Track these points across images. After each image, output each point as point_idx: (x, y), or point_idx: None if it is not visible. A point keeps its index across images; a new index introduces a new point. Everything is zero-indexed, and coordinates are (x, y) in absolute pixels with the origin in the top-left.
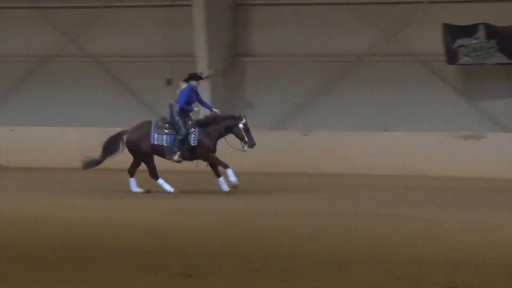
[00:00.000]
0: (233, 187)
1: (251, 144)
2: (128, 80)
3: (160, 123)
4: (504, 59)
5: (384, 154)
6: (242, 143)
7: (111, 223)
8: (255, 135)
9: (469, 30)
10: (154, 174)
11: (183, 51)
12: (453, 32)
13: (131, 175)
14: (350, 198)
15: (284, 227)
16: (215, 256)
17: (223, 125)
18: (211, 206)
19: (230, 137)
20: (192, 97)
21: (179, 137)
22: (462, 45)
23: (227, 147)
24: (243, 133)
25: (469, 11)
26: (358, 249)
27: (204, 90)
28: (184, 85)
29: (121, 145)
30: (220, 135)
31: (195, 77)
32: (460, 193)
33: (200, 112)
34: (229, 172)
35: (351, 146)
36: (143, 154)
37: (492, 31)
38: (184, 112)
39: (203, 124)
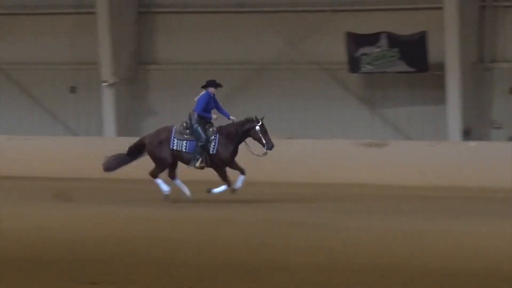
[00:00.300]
0: (208, 191)
1: (269, 146)
2: (31, 87)
3: (181, 128)
4: (406, 67)
5: (288, 161)
6: (261, 145)
7: (33, 232)
8: None
9: (371, 39)
10: (155, 174)
11: (88, 59)
12: (355, 40)
13: (173, 178)
14: (257, 205)
15: (192, 234)
16: (124, 263)
17: (241, 130)
18: (133, 214)
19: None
20: (210, 104)
21: (200, 144)
22: (365, 54)
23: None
24: (260, 135)
25: (372, 20)
26: (270, 257)
27: (109, 98)
28: (202, 92)
29: (142, 150)
30: (239, 141)
31: (213, 84)
32: (364, 200)
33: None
34: (222, 188)
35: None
36: (163, 159)
37: (394, 40)
38: (203, 119)
39: (222, 133)
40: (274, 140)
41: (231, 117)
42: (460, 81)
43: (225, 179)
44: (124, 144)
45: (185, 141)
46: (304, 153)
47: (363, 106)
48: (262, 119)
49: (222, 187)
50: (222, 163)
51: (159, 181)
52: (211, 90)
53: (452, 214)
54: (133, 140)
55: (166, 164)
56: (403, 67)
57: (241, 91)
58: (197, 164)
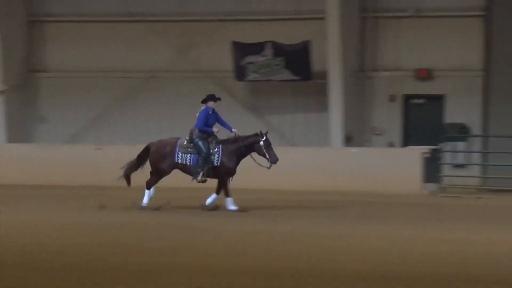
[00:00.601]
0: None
1: (274, 160)
2: None
3: (185, 142)
4: (290, 76)
5: None
6: (265, 159)
7: None
8: (51, 149)
9: (257, 48)
10: (150, 184)
11: None
12: (241, 49)
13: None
14: (144, 210)
15: (75, 238)
16: (4, 267)
17: (245, 143)
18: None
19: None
20: (210, 118)
21: (201, 157)
22: (250, 62)
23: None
24: (264, 150)
25: (257, 29)
26: (157, 259)
27: None
28: (202, 107)
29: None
30: (243, 154)
31: (212, 98)
32: (250, 204)
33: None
34: (228, 200)
35: None
36: (162, 171)
37: (279, 49)
38: (205, 133)
39: (226, 144)
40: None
41: (233, 130)
42: (342, 89)
43: (225, 190)
44: (14, 150)
45: (189, 154)
46: None
47: (249, 113)
48: (266, 134)
49: (229, 202)
50: (228, 174)
51: (148, 192)
52: (211, 104)
53: (334, 218)
54: (24, 146)
55: (162, 176)
56: (287, 75)
57: (131, 99)
58: (199, 178)
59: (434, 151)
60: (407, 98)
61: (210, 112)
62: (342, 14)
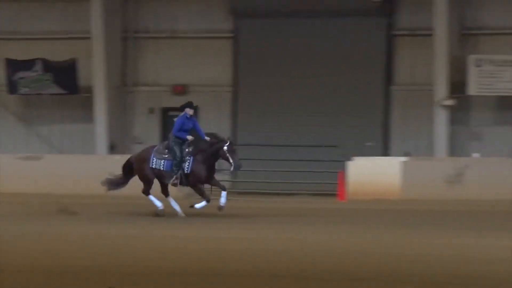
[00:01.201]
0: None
1: (237, 165)
2: None
3: (160, 148)
4: (59, 90)
5: None
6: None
7: None
8: None
9: (28, 64)
10: (146, 191)
11: None
12: (13, 65)
13: (166, 195)
14: None
15: None
16: None
17: (211, 150)
18: None
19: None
20: (186, 124)
21: (175, 162)
22: (22, 77)
23: None
24: (228, 155)
25: (28, 47)
26: None
27: None
28: (181, 114)
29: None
30: (212, 160)
31: (189, 105)
32: (12, 207)
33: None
34: (202, 203)
35: None
36: (145, 176)
37: (48, 65)
38: (180, 139)
39: (196, 153)
40: None
41: (206, 138)
42: (106, 103)
43: (202, 195)
44: None
45: (163, 160)
46: None
47: (21, 124)
48: (230, 140)
49: (203, 203)
50: (197, 182)
51: (151, 197)
52: (187, 111)
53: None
54: None
55: (149, 180)
56: (56, 89)
57: None
58: (171, 180)
59: None
60: (165, 110)
61: (188, 117)
62: (106, 34)
